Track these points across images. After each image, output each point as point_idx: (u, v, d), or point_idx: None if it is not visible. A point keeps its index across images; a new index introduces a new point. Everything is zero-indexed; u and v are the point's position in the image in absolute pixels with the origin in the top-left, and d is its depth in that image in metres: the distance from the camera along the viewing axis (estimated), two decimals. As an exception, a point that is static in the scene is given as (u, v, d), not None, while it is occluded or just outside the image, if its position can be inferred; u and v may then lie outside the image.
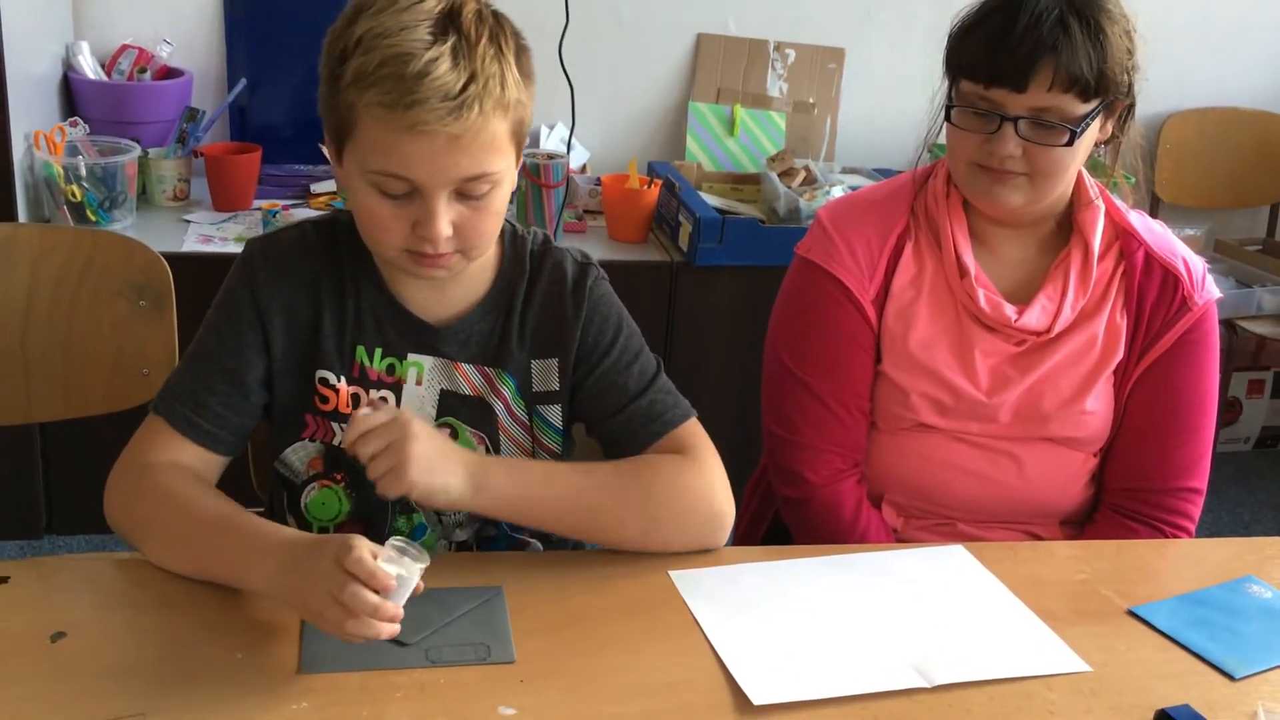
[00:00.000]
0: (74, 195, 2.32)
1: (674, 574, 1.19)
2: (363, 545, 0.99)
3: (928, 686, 1.06)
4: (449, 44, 1.08)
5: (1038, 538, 1.49)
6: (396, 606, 0.99)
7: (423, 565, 1.01)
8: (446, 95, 1.07)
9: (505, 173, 1.15)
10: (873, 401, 1.47)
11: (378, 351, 1.25)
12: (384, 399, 1.24)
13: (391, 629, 0.99)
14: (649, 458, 1.25)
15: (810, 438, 1.46)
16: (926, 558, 1.29)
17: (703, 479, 1.23)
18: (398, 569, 1.00)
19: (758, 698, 1.02)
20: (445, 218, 1.12)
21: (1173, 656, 1.15)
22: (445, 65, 1.07)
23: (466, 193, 1.13)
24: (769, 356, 1.53)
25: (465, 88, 1.08)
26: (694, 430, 1.28)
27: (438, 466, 1.12)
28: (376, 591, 0.98)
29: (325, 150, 1.21)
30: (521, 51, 1.16)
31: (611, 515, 1.20)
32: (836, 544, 1.41)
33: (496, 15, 1.15)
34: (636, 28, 2.88)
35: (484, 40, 1.10)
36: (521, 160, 1.20)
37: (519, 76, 1.13)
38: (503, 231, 1.26)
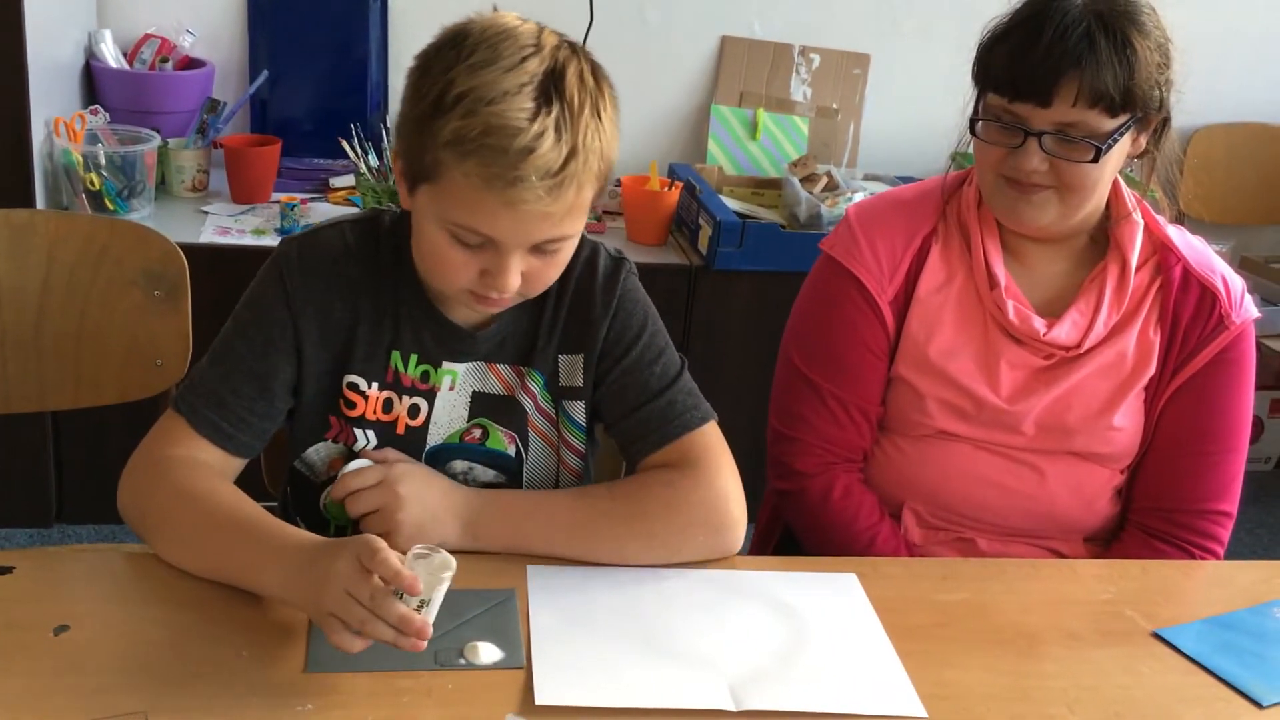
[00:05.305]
0: (92, 183, 2.31)
1: (530, 569, 1.16)
2: (385, 546, 0.97)
3: (733, 710, 1.01)
4: (553, 117, 1.05)
5: (1060, 555, 1.46)
6: (425, 620, 0.96)
7: (449, 573, 0.98)
8: (547, 173, 1.05)
9: (581, 226, 1.15)
10: (885, 405, 1.45)
11: (413, 358, 1.23)
12: (377, 447, 1.23)
13: (418, 644, 0.96)
14: (648, 475, 1.23)
15: (807, 434, 1.45)
16: (813, 583, 1.21)
17: (711, 490, 1.21)
18: (424, 574, 0.97)
19: (541, 697, 0.99)
20: (517, 271, 1.12)
21: (1199, 681, 1.13)
22: (548, 142, 1.04)
23: (542, 248, 1.12)
24: (781, 352, 1.51)
25: (566, 164, 1.05)
26: (710, 435, 1.25)
27: (428, 527, 1.15)
28: (400, 596, 0.96)
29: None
30: (615, 108, 1.13)
31: (608, 536, 1.19)
32: (836, 541, 1.40)
33: (596, 73, 1.12)
34: (661, 29, 2.85)
35: (586, 111, 1.07)
36: None
37: (613, 138, 1.11)
38: None
